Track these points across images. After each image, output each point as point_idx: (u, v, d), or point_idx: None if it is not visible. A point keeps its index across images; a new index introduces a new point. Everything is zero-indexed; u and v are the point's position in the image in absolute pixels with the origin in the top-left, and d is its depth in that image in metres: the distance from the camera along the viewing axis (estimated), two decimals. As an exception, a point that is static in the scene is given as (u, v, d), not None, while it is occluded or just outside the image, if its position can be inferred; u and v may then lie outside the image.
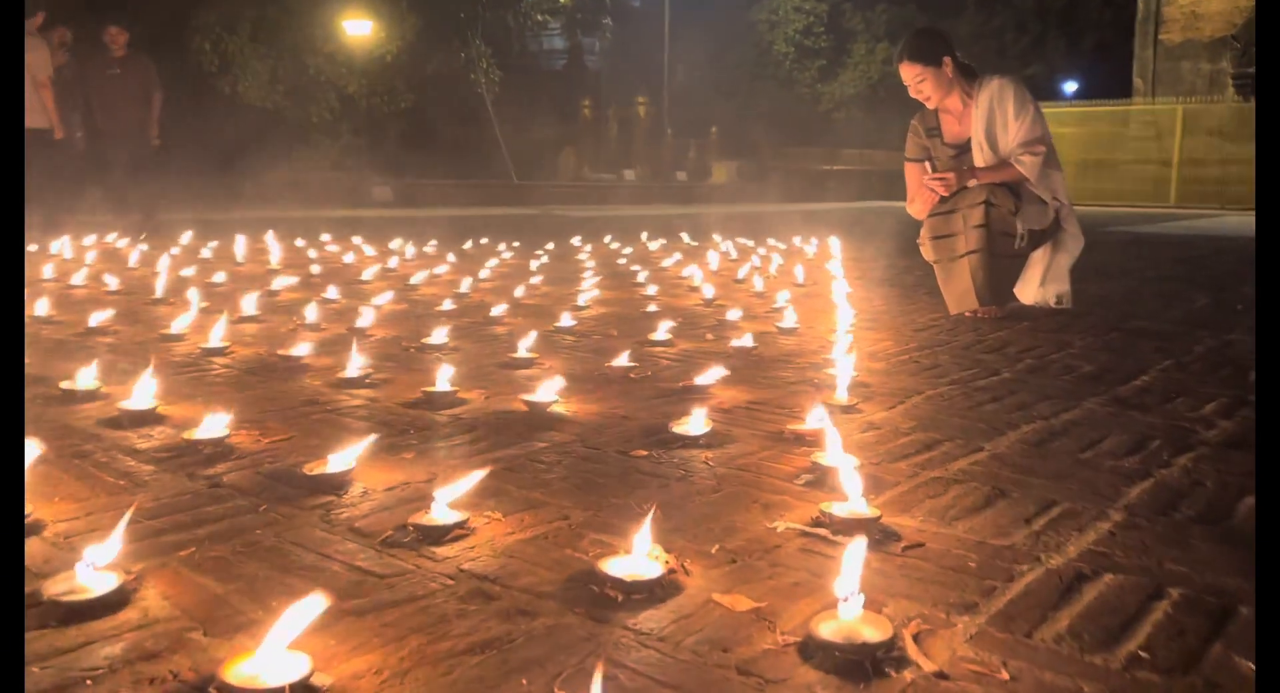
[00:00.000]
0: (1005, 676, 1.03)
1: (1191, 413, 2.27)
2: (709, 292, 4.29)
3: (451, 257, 5.96)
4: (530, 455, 1.86)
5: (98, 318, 3.27)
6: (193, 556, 1.33)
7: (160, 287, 4.18)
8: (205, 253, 6.00)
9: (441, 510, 1.45)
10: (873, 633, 1.07)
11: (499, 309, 3.62)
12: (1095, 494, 1.66)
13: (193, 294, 3.85)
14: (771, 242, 7.49)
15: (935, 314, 3.86)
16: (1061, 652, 1.09)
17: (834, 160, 23.93)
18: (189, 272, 4.84)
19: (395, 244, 6.69)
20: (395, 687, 1.00)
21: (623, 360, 2.70)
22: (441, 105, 18.08)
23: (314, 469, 1.67)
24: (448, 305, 3.85)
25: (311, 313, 3.45)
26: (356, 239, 7.04)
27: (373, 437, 1.81)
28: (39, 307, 3.47)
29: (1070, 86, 30.56)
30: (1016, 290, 3.91)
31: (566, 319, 3.49)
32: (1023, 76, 3.87)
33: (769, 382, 2.58)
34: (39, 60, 7.30)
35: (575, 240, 7.39)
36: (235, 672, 0.98)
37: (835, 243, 6.97)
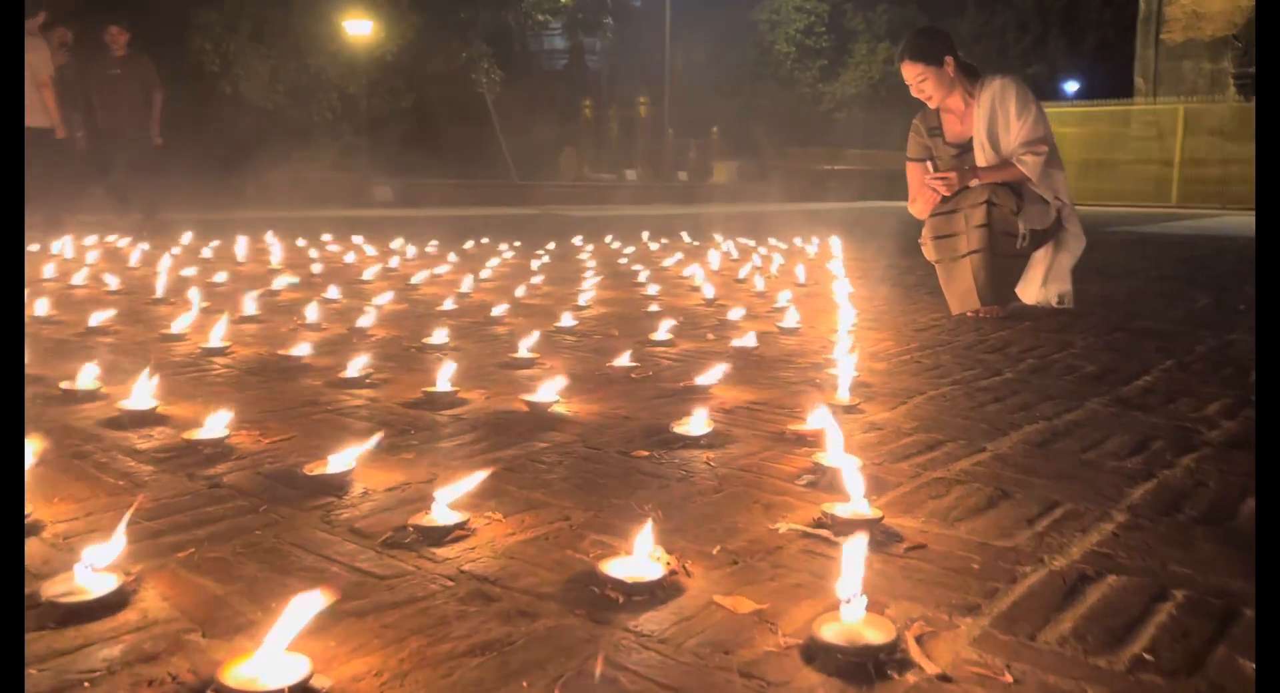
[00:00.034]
0: (1009, 678, 1.03)
1: (1194, 413, 2.27)
2: (710, 291, 4.28)
3: (453, 256, 5.95)
4: (531, 456, 1.85)
5: (98, 318, 3.27)
6: (192, 556, 1.33)
7: (161, 286, 4.17)
8: (206, 253, 5.99)
9: (442, 511, 1.44)
10: (875, 635, 1.06)
11: (500, 309, 3.62)
12: (1098, 495, 1.65)
13: (193, 294, 3.84)
14: (773, 241, 7.48)
15: (937, 314, 3.85)
16: (1065, 654, 1.08)
17: (835, 160, 23.92)
18: (190, 271, 4.84)
19: (396, 244, 6.69)
20: (395, 689, 1.00)
21: (624, 360, 2.69)
22: (442, 105, 18.08)
23: (314, 470, 1.66)
24: (448, 305, 3.84)
25: (312, 313, 3.45)
26: (357, 239, 7.03)
27: (376, 438, 1.81)
28: (40, 306, 3.47)
29: (1071, 86, 30.54)
30: (1018, 290, 3.90)
31: (567, 319, 3.49)
32: (1024, 76, 3.86)
33: (770, 382, 2.58)
34: (40, 60, 7.30)
35: (576, 240, 7.38)
36: (234, 674, 0.98)
37: (836, 243, 6.96)
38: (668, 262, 5.89)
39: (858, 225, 10.49)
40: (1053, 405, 2.32)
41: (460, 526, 1.43)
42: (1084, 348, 3.12)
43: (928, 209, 3.84)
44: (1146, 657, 1.08)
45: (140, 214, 8.07)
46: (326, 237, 7.18)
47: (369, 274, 4.89)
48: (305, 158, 15.53)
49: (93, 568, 1.19)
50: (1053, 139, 3.69)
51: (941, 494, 1.65)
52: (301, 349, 2.82)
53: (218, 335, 2.91)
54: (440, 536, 1.40)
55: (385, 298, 3.99)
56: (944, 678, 1.02)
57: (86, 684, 1.00)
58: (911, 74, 3.74)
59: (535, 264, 5.65)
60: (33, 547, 1.36)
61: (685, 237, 7.99)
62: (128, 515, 1.30)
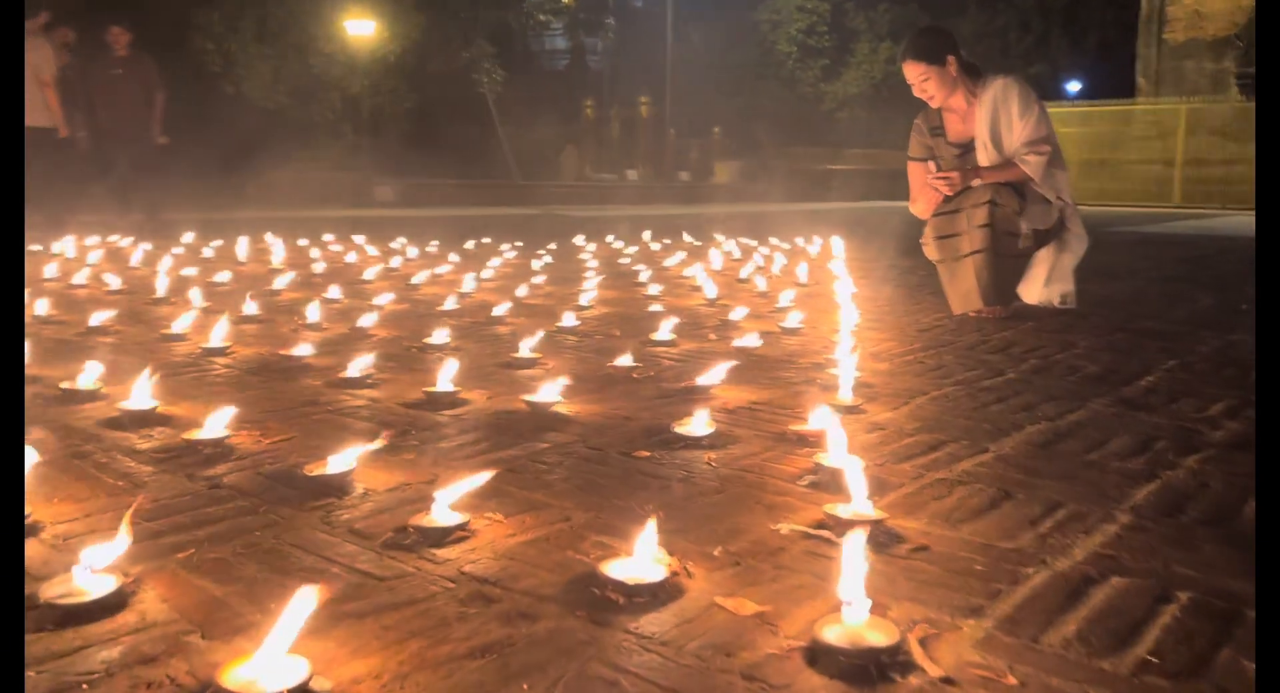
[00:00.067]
0: (1013, 681, 1.02)
1: (1197, 414, 2.26)
2: (712, 291, 4.28)
3: (454, 256, 5.95)
4: (532, 456, 1.85)
5: (99, 318, 3.27)
6: (191, 558, 1.32)
7: (162, 286, 4.17)
8: (207, 252, 5.99)
9: (442, 512, 1.43)
10: (878, 637, 1.05)
11: (501, 309, 3.61)
12: (1101, 496, 1.64)
13: (194, 294, 3.84)
14: (774, 241, 7.47)
15: (939, 314, 3.85)
16: (1069, 657, 1.08)
17: (837, 160, 23.89)
18: (191, 271, 4.84)
19: (398, 244, 6.68)
20: (395, 691, 0.99)
21: (625, 360, 2.69)
22: (444, 105, 18.08)
23: (314, 470, 1.66)
24: (450, 305, 3.84)
25: (313, 313, 3.44)
26: (359, 239, 7.03)
27: (379, 442, 1.80)
28: (41, 306, 3.47)
29: (1074, 86, 30.52)
30: (1021, 290, 3.89)
31: (569, 319, 3.48)
32: (1026, 76, 3.85)
33: (772, 382, 2.57)
34: (43, 59, 7.30)
35: (578, 240, 7.37)
36: (233, 676, 0.97)
37: (838, 242, 6.95)
38: (669, 261, 5.89)
39: (860, 225, 10.48)
40: (1055, 406, 2.31)
41: (461, 527, 1.42)
42: (1086, 348, 3.11)
43: (930, 209, 3.83)
44: (1151, 659, 1.08)
45: (142, 214, 8.07)
46: (328, 236, 7.18)
47: (370, 274, 4.89)
48: (307, 158, 15.53)
49: (91, 570, 1.18)
50: (1055, 139, 3.68)
51: (944, 495, 1.64)
52: (302, 349, 2.81)
53: (218, 335, 2.91)
54: (441, 537, 1.39)
55: (386, 298, 3.99)
56: (947, 681, 1.02)
57: (85, 687, 0.99)
58: (914, 73, 3.73)
59: (537, 264, 5.65)
60: (32, 548, 1.36)
61: (687, 236, 7.98)
62: (127, 520, 1.29)
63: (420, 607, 1.18)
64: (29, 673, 1.01)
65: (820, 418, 1.97)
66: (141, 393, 2.10)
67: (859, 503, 1.47)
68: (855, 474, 1.50)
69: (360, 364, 2.50)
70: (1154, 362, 2.90)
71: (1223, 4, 19.68)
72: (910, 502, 1.60)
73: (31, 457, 1.58)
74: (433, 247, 6.64)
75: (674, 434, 1.96)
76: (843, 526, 1.43)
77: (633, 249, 6.93)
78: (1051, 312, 3.84)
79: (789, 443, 1.95)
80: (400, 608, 1.18)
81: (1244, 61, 19.23)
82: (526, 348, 2.83)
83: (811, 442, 1.93)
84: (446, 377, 2.33)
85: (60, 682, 1.00)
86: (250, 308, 3.53)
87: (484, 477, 1.53)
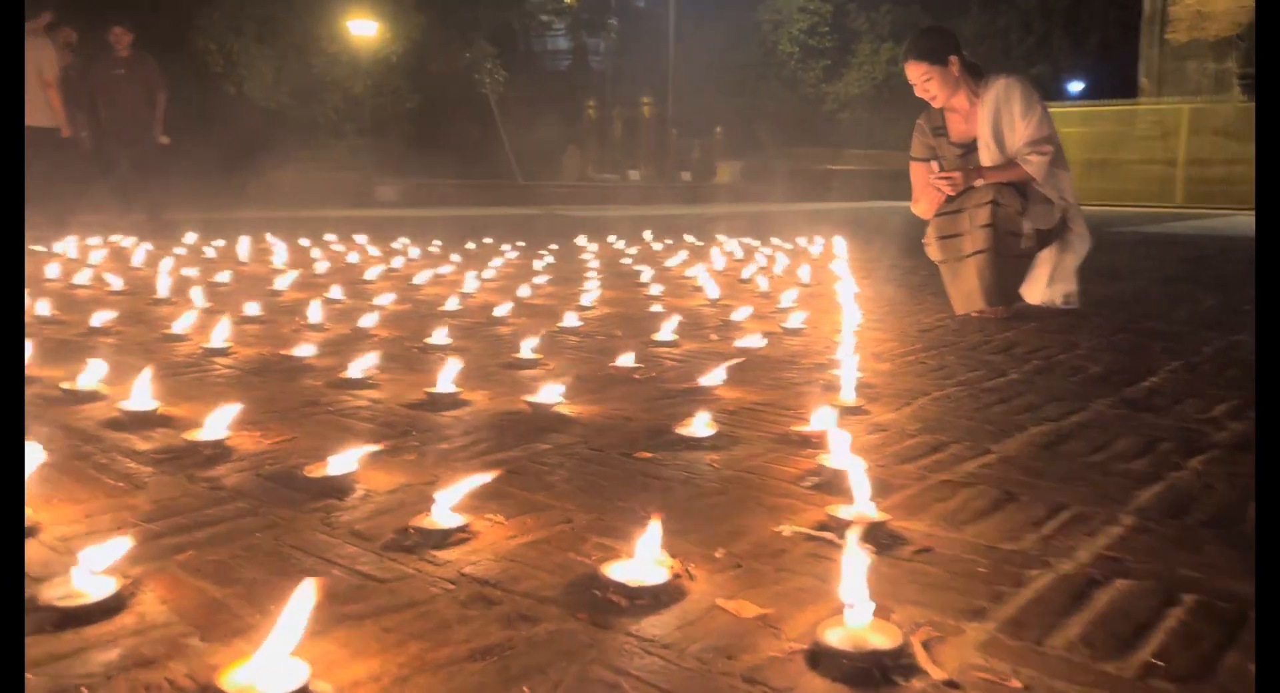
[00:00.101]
0: (1017, 684, 1.01)
1: (1201, 415, 2.25)
2: (714, 292, 4.27)
3: (456, 256, 5.95)
4: (533, 457, 1.84)
5: (100, 318, 3.26)
6: (191, 559, 1.32)
7: (164, 287, 4.16)
8: (209, 252, 5.99)
9: (443, 514, 1.43)
10: (881, 640, 1.05)
11: (503, 309, 3.61)
12: (1105, 498, 1.63)
13: (196, 294, 3.84)
14: (776, 241, 7.47)
15: (941, 314, 3.84)
16: (1074, 660, 1.07)
17: (839, 160, 23.87)
18: (192, 271, 4.84)
19: (399, 244, 6.68)
20: (395, 694, 0.98)
21: (627, 361, 2.68)
22: (446, 106, 18.07)
23: (315, 471, 1.65)
24: (451, 305, 3.83)
25: (314, 313, 3.44)
26: (361, 239, 7.03)
27: (377, 446, 1.79)
28: (42, 307, 3.46)
29: (1076, 86, 30.48)
30: (1023, 291, 3.88)
31: (571, 319, 3.47)
32: (1028, 76, 3.84)
33: (774, 383, 2.56)
34: (46, 59, 7.30)
35: (580, 240, 7.37)
36: (232, 679, 0.96)
37: (840, 243, 6.94)
38: (671, 262, 5.88)
39: (861, 225, 10.47)
40: (1058, 407, 2.30)
41: (462, 528, 1.41)
42: (1089, 349, 3.11)
43: (932, 209, 3.82)
44: (1156, 662, 1.07)
45: (143, 214, 8.07)
46: (330, 236, 7.17)
47: (372, 274, 4.88)
48: (309, 158, 15.53)
49: (91, 571, 1.18)
50: (1058, 139, 3.68)
51: (947, 497, 1.63)
52: (304, 349, 2.81)
53: (220, 336, 2.90)
54: (441, 538, 1.39)
55: (388, 298, 3.98)
56: (951, 685, 1.01)
57: (84, 689, 0.98)
58: (916, 73, 3.72)
59: (538, 264, 5.64)
60: (32, 549, 1.35)
61: (689, 237, 7.97)
62: (128, 536, 1.29)
63: (421, 609, 1.18)
64: (28, 675, 1.00)
65: (822, 419, 1.96)
66: (142, 393, 2.09)
67: (861, 505, 1.47)
68: (858, 476, 1.49)
69: (361, 365, 2.50)
70: (1157, 362, 2.89)
71: (1225, 4, 19.65)
72: (913, 503, 1.60)
73: (38, 455, 1.58)
74: (435, 247, 6.64)
75: (676, 435, 1.96)
76: (845, 527, 1.43)
77: (634, 249, 6.93)
78: (1054, 312, 3.83)
79: (791, 444, 1.95)
80: (400, 610, 1.17)
81: (1247, 61, 19.19)
82: (528, 348, 2.83)
83: (814, 443, 1.92)
84: (448, 377, 2.32)
85: (59, 684, 0.99)
86: (251, 308, 3.53)
87: (484, 478, 1.52)
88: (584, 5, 23.45)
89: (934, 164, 3.85)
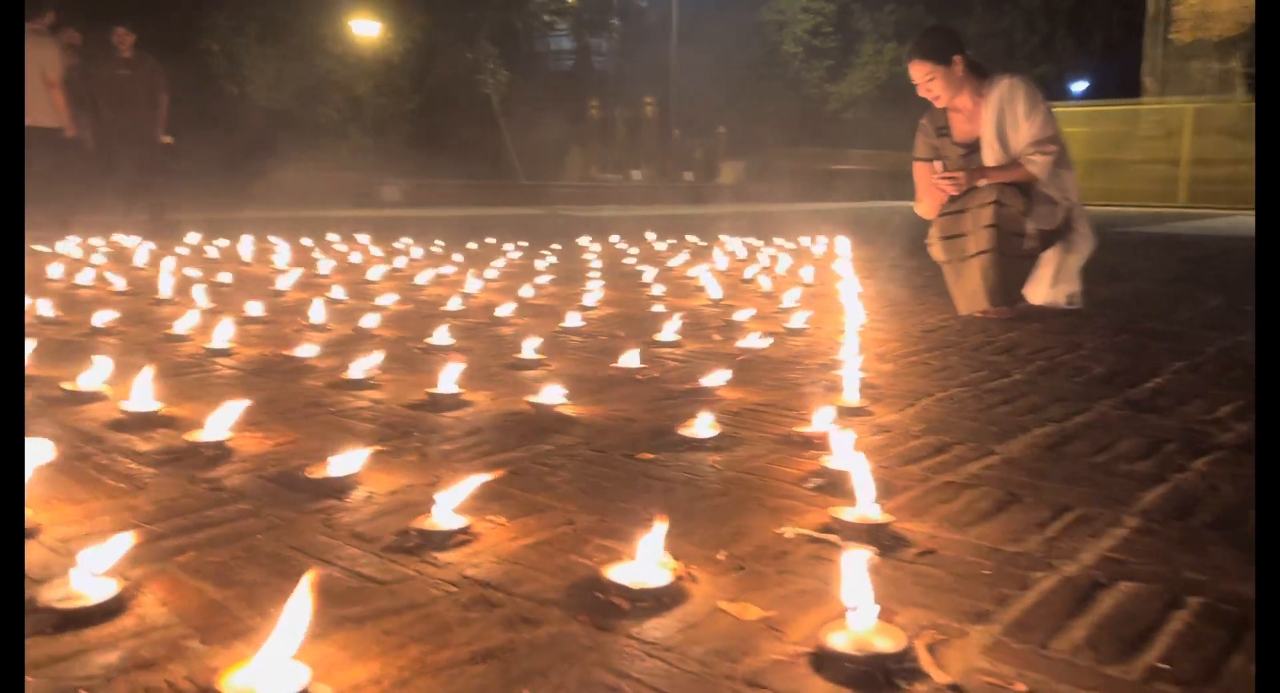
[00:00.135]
0: (1022, 687, 1.01)
1: (1205, 416, 2.24)
2: (716, 292, 4.26)
3: (458, 256, 5.94)
4: (535, 458, 1.84)
5: (103, 318, 3.26)
6: (191, 561, 1.31)
7: (166, 287, 4.16)
8: (212, 253, 5.99)
9: (444, 515, 1.42)
10: (885, 643, 1.04)
11: (505, 309, 3.60)
12: (1110, 499, 1.63)
13: (198, 294, 3.83)
14: (779, 241, 7.46)
15: (944, 315, 3.83)
16: (1078, 663, 1.06)
17: (841, 160, 23.86)
18: (195, 272, 4.84)
19: (402, 244, 6.68)
20: (395, 698, 0.98)
21: (629, 361, 2.68)
22: (449, 106, 18.09)
23: (316, 472, 1.65)
24: (454, 305, 3.83)
25: (317, 313, 3.43)
26: (363, 239, 7.03)
27: (378, 447, 1.79)
28: (45, 307, 3.46)
29: (1079, 86, 30.44)
30: (1027, 291, 3.87)
31: (573, 319, 3.47)
32: (1032, 76, 3.83)
33: (777, 383, 2.56)
34: (49, 59, 7.31)
35: (582, 240, 7.36)
36: (232, 682, 0.96)
37: (843, 243, 6.93)
38: (674, 262, 5.87)
39: (864, 225, 10.46)
40: (1062, 408, 2.29)
41: (463, 530, 1.41)
42: (1093, 349, 3.10)
43: (935, 209, 3.81)
44: (1161, 666, 1.06)
45: (146, 214, 8.08)
46: (333, 236, 7.18)
47: (375, 274, 4.88)
48: (312, 158, 15.55)
49: (91, 573, 1.18)
50: (1062, 139, 3.67)
51: (951, 498, 1.63)
52: (306, 350, 2.80)
53: (222, 336, 2.90)
54: (443, 540, 1.38)
55: (390, 298, 3.98)
56: (955, 688, 1.00)
57: (83, 692, 0.98)
58: (920, 73, 3.71)
59: (541, 264, 5.64)
60: (32, 550, 1.35)
61: (691, 237, 7.97)
62: (130, 538, 1.29)
63: (422, 611, 1.17)
64: (28, 678, 1.00)
65: (825, 420, 1.96)
66: (144, 394, 2.09)
67: (865, 506, 1.46)
68: (862, 477, 1.48)
69: (363, 365, 2.49)
70: (1161, 363, 2.88)
71: (1229, 4, 19.61)
72: (917, 505, 1.59)
73: (48, 453, 1.58)
74: (437, 247, 6.64)
75: (678, 436, 1.95)
76: (848, 529, 1.42)
77: (637, 249, 6.92)
78: (1057, 312, 3.82)
79: (794, 445, 1.94)
80: (401, 612, 1.17)
81: (1251, 61, 19.16)
82: (530, 349, 2.82)
83: (816, 444, 1.92)
84: (450, 378, 2.32)
85: (59, 686, 0.99)
86: (254, 308, 3.52)
87: (484, 478, 1.52)
88: (586, 5, 23.46)
89: (937, 164, 3.84)
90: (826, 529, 1.45)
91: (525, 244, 7.09)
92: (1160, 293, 4.89)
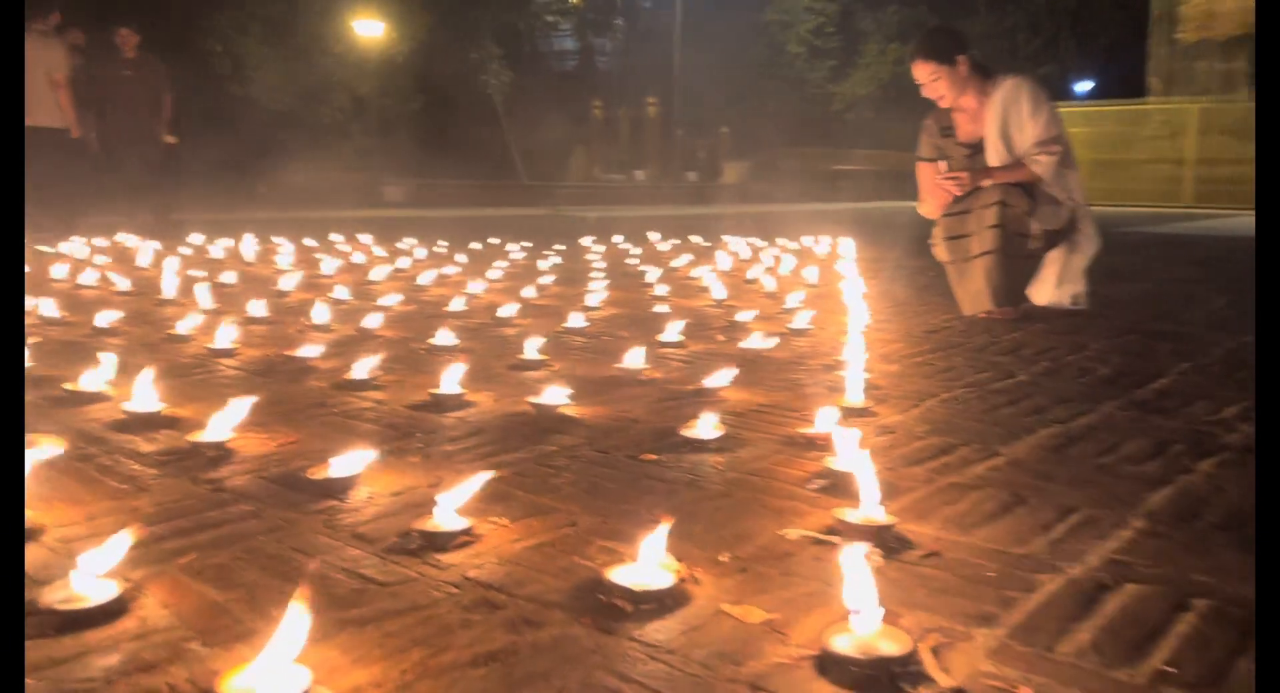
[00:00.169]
0: (1027, 691, 1.00)
1: (1211, 417, 2.23)
2: (720, 292, 4.26)
3: (461, 257, 5.94)
4: (538, 459, 1.83)
5: (106, 318, 3.26)
6: (193, 562, 1.31)
7: (170, 287, 4.16)
8: (216, 253, 6.00)
9: (447, 516, 1.42)
10: (890, 646, 1.03)
11: (508, 310, 3.60)
12: (1115, 501, 1.62)
13: (202, 295, 3.83)
14: (782, 241, 7.45)
15: (948, 316, 3.82)
16: (1084, 667, 1.05)
17: (845, 160, 23.85)
18: (199, 272, 4.84)
19: (405, 244, 6.68)
20: (397, 701, 0.97)
21: (632, 362, 2.67)
22: (452, 106, 18.10)
23: (318, 473, 1.64)
24: (457, 306, 3.82)
25: (320, 314, 3.43)
26: (366, 239, 7.03)
27: (381, 449, 1.78)
28: (48, 307, 3.46)
29: (1084, 86, 30.38)
30: (1031, 291, 3.86)
31: (576, 320, 3.46)
32: (1036, 76, 3.82)
33: (780, 384, 2.55)
34: (55, 60, 7.32)
35: (585, 241, 7.36)
36: (233, 685, 0.95)
37: (847, 243, 6.92)
38: (677, 262, 5.86)
39: (868, 226, 10.45)
40: (1067, 409, 2.28)
41: (465, 531, 1.40)
42: (1098, 350, 3.09)
43: (939, 210, 3.81)
44: (1168, 669, 1.05)
45: (150, 215, 8.08)
46: (336, 237, 7.18)
47: (378, 275, 4.88)
48: (315, 159, 15.57)
49: (92, 574, 1.17)
50: (1067, 139, 3.66)
51: (955, 500, 1.62)
52: (309, 350, 2.80)
53: (225, 337, 2.90)
54: (445, 541, 1.38)
55: (393, 299, 3.98)
56: (960, 692, 0.99)
57: (83, 694, 0.98)
58: (924, 73, 3.70)
59: (544, 264, 5.63)
60: (33, 552, 1.35)
61: (694, 238, 7.96)
62: (131, 534, 1.28)
63: (423, 613, 1.17)
64: (28, 680, 1.00)
65: (828, 421, 1.95)
66: (147, 395, 2.09)
67: (869, 508, 1.45)
68: (866, 479, 1.48)
69: (366, 366, 2.49)
70: (1167, 364, 2.87)
71: (1235, 3, 19.56)
72: (921, 507, 1.58)
73: (56, 452, 1.57)
74: (440, 247, 6.63)
75: (681, 437, 1.95)
76: (852, 531, 1.41)
77: (640, 250, 6.91)
78: (1062, 313, 3.81)
79: (797, 446, 1.93)
80: (403, 615, 1.16)
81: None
82: (533, 349, 2.82)
83: (820, 445, 1.91)
84: (452, 379, 2.31)
85: (60, 689, 0.99)
86: (257, 309, 3.52)
87: (487, 476, 1.51)
88: (590, 5, 23.47)
89: (941, 164, 3.84)
90: (830, 531, 1.44)
91: (528, 244, 7.08)
92: (1165, 293, 4.87)
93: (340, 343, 3.06)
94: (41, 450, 1.69)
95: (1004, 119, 3.65)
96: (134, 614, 1.15)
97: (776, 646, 1.09)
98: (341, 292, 4.13)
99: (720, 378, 2.45)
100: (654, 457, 1.85)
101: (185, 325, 3.12)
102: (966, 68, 3.67)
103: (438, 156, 17.07)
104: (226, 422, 1.89)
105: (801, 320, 3.46)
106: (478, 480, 1.49)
